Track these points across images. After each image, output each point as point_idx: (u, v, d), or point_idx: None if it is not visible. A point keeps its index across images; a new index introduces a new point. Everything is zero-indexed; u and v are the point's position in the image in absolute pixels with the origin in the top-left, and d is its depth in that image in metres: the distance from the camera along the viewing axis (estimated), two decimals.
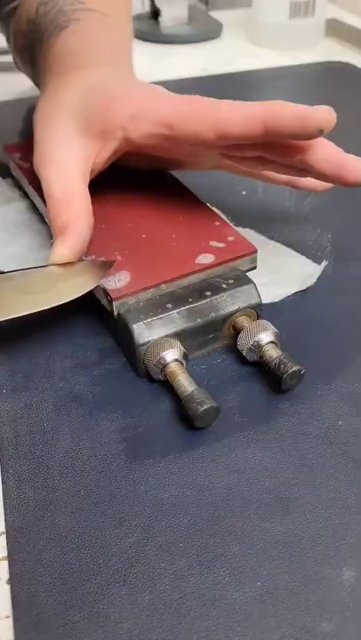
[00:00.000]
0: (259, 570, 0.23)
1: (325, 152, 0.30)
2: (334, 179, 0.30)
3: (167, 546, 0.24)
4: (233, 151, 0.33)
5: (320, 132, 0.28)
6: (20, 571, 0.24)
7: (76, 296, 0.30)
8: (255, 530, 0.25)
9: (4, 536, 0.25)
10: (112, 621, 0.22)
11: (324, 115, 0.28)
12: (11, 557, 0.24)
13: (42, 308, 0.29)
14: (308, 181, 0.37)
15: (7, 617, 0.22)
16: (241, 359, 0.32)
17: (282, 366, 0.29)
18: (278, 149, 0.30)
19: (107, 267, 0.31)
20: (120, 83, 0.36)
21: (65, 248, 0.31)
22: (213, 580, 0.23)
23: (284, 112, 0.29)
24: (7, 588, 0.23)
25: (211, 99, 0.32)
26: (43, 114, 0.36)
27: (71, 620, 0.22)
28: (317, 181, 0.36)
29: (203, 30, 0.80)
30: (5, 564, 0.24)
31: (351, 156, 0.30)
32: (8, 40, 0.51)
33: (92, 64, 0.38)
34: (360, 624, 0.22)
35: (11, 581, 0.23)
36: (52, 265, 0.31)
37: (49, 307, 0.29)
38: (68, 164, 0.33)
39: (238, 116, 0.30)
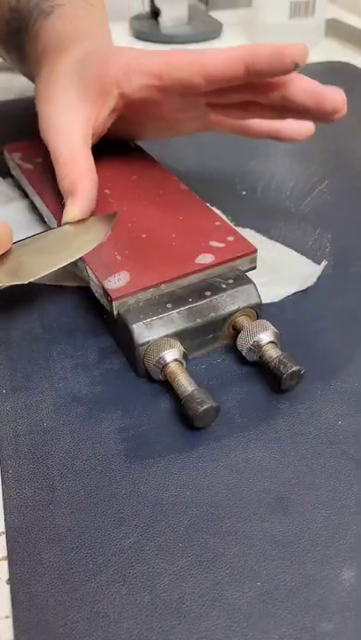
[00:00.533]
0: (258, 570, 0.23)
1: (303, 85, 0.32)
2: (314, 109, 0.32)
3: (167, 546, 0.24)
4: (219, 98, 0.35)
5: (296, 66, 0.30)
6: (19, 571, 0.24)
7: (90, 249, 0.32)
8: (255, 530, 0.25)
9: (3, 536, 0.25)
10: (112, 621, 0.22)
11: (297, 49, 0.30)
12: (10, 557, 0.24)
13: (62, 265, 0.31)
14: (290, 129, 0.39)
15: (7, 617, 0.22)
16: (241, 359, 0.32)
17: (282, 366, 0.29)
18: (260, 89, 0.33)
19: (111, 219, 0.35)
20: (109, 48, 0.39)
21: (75, 208, 0.34)
22: (213, 579, 0.23)
23: (261, 50, 0.31)
24: (7, 587, 0.23)
25: (194, 49, 0.34)
26: (42, 91, 0.38)
27: (71, 620, 0.22)
28: (298, 128, 0.38)
29: (203, 30, 0.80)
30: (5, 563, 0.24)
31: (328, 86, 0.32)
32: None
33: (83, 41, 0.40)
34: (360, 624, 0.22)
35: (10, 581, 0.23)
36: (65, 225, 0.34)
37: (68, 263, 0.32)
38: (70, 129, 0.36)
39: (221, 58, 0.32)
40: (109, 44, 0.43)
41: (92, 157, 0.36)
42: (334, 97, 0.32)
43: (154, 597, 0.23)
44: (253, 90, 0.33)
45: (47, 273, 0.31)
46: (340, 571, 0.23)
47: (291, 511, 0.25)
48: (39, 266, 0.31)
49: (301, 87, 0.32)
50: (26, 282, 0.31)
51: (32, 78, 0.45)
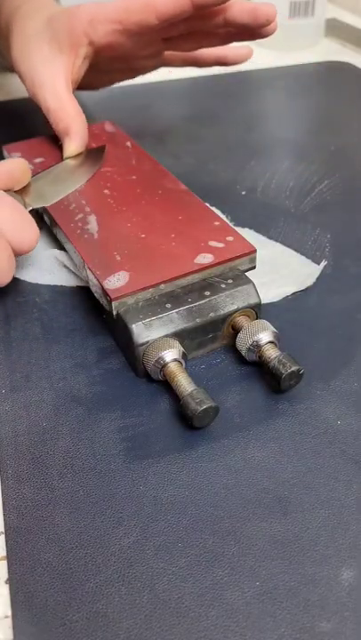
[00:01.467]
0: (258, 570, 0.23)
1: (241, 7, 0.40)
2: (252, 23, 0.40)
3: (166, 546, 0.24)
4: (171, 31, 0.42)
5: None
6: (19, 570, 0.24)
7: (90, 175, 0.40)
8: (254, 530, 0.25)
9: (2, 536, 0.25)
10: (111, 621, 0.22)
11: None
12: (10, 557, 0.24)
13: (74, 189, 0.39)
14: (233, 54, 0.48)
15: (6, 616, 0.22)
16: (240, 359, 0.32)
17: (281, 366, 0.29)
18: (205, 17, 0.40)
19: (101, 151, 0.43)
20: (71, 6, 0.44)
21: (72, 144, 0.42)
22: (212, 579, 0.23)
23: None
24: (6, 587, 0.23)
25: None
26: (18, 55, 0.44)
27: (70, 620, 0.22)
28: (240, 51, 0.48)
29: None
30: (4, 563, 0.24)
31: (260, 2, 0.40)
32: None
33: (46, 5, 0.46)
34: (359, 624, 0.22)
35: (10, 581, 0.23)
36: (66, 159, 0.42)
37: (76, 188, 0.39)
38: (53, 81, 0.42)
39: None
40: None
41: (76, 101, 0.42)
42: (267, 10, 0.39)
43: (153, 597, 0.23)
44: (199, 19, 0.40)
45: (63, 196, 0.38)
46: (339, 571, 0.23)
47: (290, 511, 0.25)
48: (55, 192, 0.38)
49: (240, 8, 0.39)
50: (48, 204, 0.37)
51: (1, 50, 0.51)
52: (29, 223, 0.33)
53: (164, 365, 0.29)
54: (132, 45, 0.42)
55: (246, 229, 0.40)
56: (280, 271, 0.37)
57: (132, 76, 0.50)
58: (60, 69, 0.42)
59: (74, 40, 0.41)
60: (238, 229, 0.37)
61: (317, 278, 0.37)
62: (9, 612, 0.22)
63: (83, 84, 0.46)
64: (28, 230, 0.33)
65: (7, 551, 0.24)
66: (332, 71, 0.68)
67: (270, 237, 0.40)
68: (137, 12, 0.39)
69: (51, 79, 0.42)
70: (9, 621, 0.22)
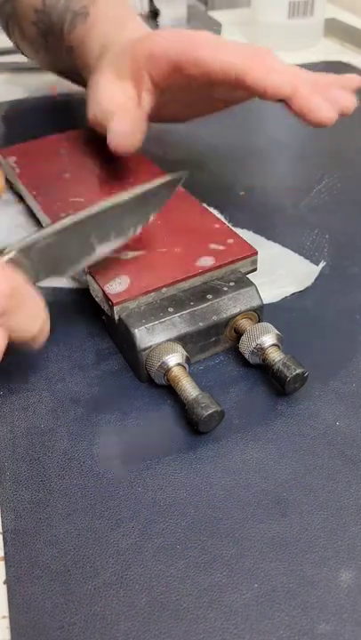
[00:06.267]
0: (256, 571, 0.23)
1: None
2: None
3: (164, 548, 0.24)
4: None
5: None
6: (16, 572, 0.23)
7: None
8: (253, 531, 0.25)
9: (0, 537, 0.25)
10: (109, 623, 0.22)
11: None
12: (8, 558, 0.24)
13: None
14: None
15: (4, 617, 0.22)
16: (239, 360, 0.32)
17: (285, 369, 0.29)
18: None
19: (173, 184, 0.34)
20: (139, 36, 0.40)
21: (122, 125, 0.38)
22: (211, 581, 0.23)
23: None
24: (4, 589, 0.23)
25: (211, 36, 0.37)
26: (92, 86, 0.41)
27: (68, 622, 0.22)
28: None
29: (202, 30, 0.79)
30: (2, 565, 0.24)
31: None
32: (6, 28, 0.56)
33: (120, 34, 0.43)
34: (358, 626, 0.22)
35: (7, 582, 0.23)
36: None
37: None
38: (112, 96, 0.39)
39: (229, 67, 0.34)
40: (140, 27, 0.44)
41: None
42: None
43: (151, 599, 0.23)
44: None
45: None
46: (338, 572, 0.23)
47: (289, 512, 0.25)
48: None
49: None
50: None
51: (73, 76, 0.50)
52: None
53: (168, 370, 0.29)
54: (194, 87, 0.38)
55: (245, 230, 0.40)
56: (279, 272, 0.37)
57: (222, 108, 0.43)
58: (121, 91, 0.39)
59: (134, 72, 0.38)
60: (237, 230, 0.37)
61: (316, 279, 0.37)
62: (6, 614, 0.22)
63: (165, 117, 0.43)
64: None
65: (5, 552, 0.24)
66: (332, 71, 0.67)
67: (269, 238, 0.40)
68: (201, 65, 0.35)
69: (110, 94, 0.39)
70: (6, 622, 0.22)
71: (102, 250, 0.30)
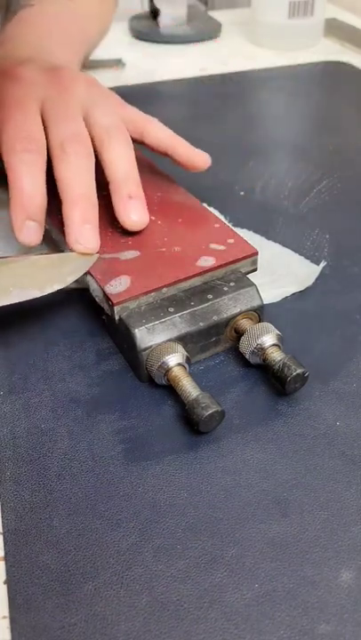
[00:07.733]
0: (257, 572, 0.23)
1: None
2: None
3: (165, 548, 0.24)
4: None
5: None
6: (17, 572, 0.23)
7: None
8: (253, 531, 0.25)
9: (0, 537, 0.25)
10: (109, 623, 0.22)
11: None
12: (8, 559, 0.24)
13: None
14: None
15: (4, 617, 0.22)
16: (238, 360, 0.32)
17: (286, 369, 0.29)
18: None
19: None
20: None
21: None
22: (211, 582, 0.23)
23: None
24: (4, 589, 0.23)
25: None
26: None
27: (68, 623, 0.22)
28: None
29: (202, 30, 0.80)
30: (3, 565, 0.24)
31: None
32: None
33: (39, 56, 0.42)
34: (358, 626, 0.22)
35: (8, 583, 0.23)
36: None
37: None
38: None
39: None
40: (60, 52, 0.44)
41: None
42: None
43: (152, 600, 0.23)
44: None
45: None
46: (338, 572, 0.23)
47: (289, 513, 0.25)
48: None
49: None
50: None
51: None
52: None
53: (168, 370, 0.29)
54: None
55: (245, 230, 0.40)
56: (279, 272, 0.37)
57: None
58: None
59: None
60: (237, 230, 0.37)
61: (316, 279, 0.37)
62: (6, 614, 0.22)
63: None
64: None
65: (5, 553, 0.24)
66: (332, 71, 0.67)
67: (269, 238, 0.40)
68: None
69: None
70: (6, 622, 0.22)
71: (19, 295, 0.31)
